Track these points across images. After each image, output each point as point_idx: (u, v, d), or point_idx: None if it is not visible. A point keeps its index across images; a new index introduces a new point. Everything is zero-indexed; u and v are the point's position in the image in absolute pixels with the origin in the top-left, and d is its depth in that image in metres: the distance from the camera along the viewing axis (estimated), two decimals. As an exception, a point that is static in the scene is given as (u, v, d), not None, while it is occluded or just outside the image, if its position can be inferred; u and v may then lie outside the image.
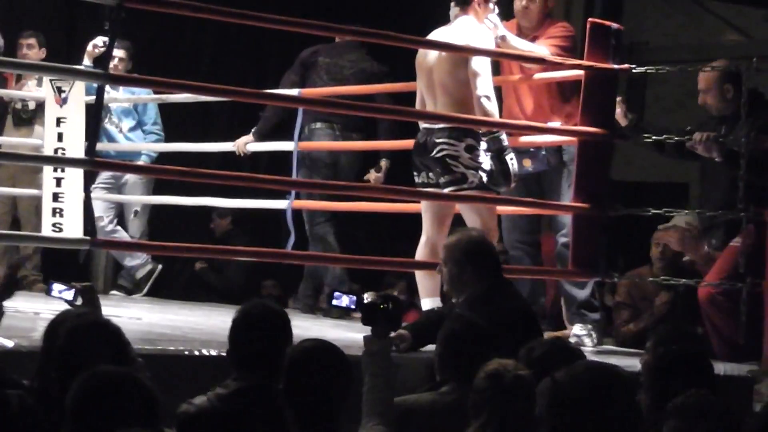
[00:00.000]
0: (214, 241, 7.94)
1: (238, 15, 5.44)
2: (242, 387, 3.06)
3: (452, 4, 5.53)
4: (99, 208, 7.15)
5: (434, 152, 5.20)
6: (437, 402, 3.71)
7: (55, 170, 6.71)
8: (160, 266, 7.45)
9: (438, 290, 5.34)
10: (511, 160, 5.15)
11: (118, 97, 7.57)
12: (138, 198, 7.60)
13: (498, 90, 5.56)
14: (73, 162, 6.50)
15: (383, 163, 6.85)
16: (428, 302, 5.44)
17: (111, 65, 6.31)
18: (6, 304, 3.86)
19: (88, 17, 7.46)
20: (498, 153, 5.13)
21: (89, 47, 6.84)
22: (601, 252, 5.66)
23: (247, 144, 6.84)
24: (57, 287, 4.17)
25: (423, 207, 5.49)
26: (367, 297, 3.78)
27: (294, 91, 6.57)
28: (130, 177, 7.56)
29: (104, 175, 7.49)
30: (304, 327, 5.11)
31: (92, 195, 6.63)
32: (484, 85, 5.09)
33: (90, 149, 6.01)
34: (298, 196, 6.47)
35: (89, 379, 2.71)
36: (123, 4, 5.05)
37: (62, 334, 3.26)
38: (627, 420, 2.67)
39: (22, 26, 7.58)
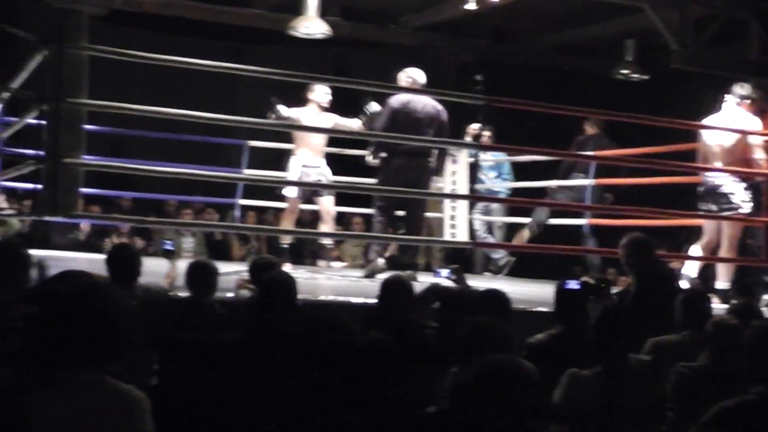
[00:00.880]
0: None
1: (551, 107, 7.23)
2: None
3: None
4: (476, 224, 10.06)
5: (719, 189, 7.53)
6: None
7: (451, 201, 9.66)
8: (513, 258, 9.72)
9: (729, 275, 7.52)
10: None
11: (486, 158, 10.28)
12: (499, 218, 10.19)
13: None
14: (462, 197, 9.58)
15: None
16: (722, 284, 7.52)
17: (481, 140, 9.81)
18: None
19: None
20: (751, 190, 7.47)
21: (469, 129, 9.67)
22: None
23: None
24: (442, 272, 5.71)
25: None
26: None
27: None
28: (494, 205, 10.16)
29: (480, 204, 10.05)
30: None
31: (472, 216, 9.89)
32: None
33: (471, 189, 9.34)
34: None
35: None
36: (490, 105, 8.29)
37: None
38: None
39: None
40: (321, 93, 8.41)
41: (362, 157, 8.26)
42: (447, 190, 9.34)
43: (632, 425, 3.81)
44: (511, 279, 9.28)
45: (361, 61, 13.51)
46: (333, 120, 8.48)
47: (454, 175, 9.60)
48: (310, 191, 8.50)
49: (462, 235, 9.53)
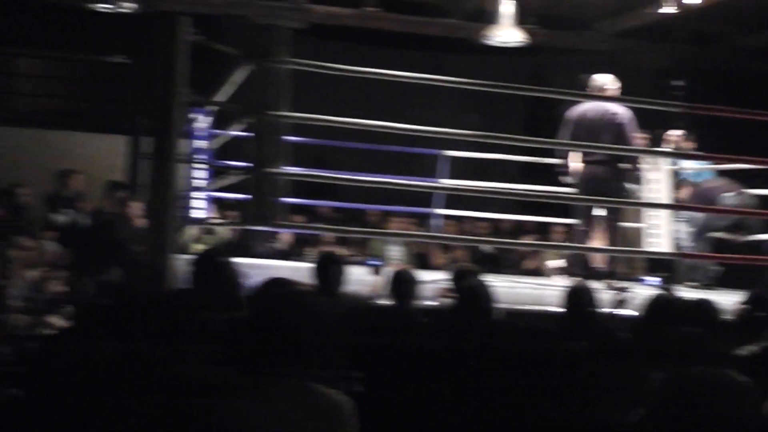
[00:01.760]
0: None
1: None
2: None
3: None
4: (680, 234, 9.56)
5: None
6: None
7: (652, 211, 9.42)
8: (721, 269, 9.09)
9: None
10: None
11: (688, 165, 9.80)
12: (701, 228, 9.79)
13: None
14: (659, 205, 9.37)
15: None
16: None
17: (679, 146, 9.51)
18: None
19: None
20: None
21: (667, 136, 9.46)
22: None
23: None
24: (650, 280, 6.65)
25: None
26: None
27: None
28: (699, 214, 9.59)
29: (685, 213, 9.52)
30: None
31: (675, 226, 9.51)
32: None
33: (673, 199, 9.20)
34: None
35: None
36: (689, 112, 8.02)
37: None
38: None
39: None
40: None
41: (556, 165, 8.17)
42: (647, 200, 9.25)
43: None
44: (719, 289, 8.81)
45: (556, 68, 13.40)
46: None
47: (654, 184, 9.44)
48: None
49: (664, 245, 9.34)
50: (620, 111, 7.75)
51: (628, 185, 8.03)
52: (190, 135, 8.64)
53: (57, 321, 5.76)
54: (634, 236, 9.68)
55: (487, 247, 8.47)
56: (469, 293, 4.25)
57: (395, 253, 10.59)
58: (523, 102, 12.87)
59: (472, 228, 11.00)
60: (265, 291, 3.58)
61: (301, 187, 9.49)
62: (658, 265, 9.66)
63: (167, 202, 6.06)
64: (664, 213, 9.54)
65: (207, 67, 6.82)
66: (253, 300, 3.38)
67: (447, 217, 10.39)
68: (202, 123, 8.81)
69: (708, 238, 9.73)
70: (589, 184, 7.73)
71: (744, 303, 4.68)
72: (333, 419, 2.76)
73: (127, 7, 7.02)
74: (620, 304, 5.14)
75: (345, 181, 8.04)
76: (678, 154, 9.59)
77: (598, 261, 8.04)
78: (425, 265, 10.16)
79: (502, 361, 3.05)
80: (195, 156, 8.69)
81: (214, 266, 4.21)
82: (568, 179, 7.94)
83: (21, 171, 11.04)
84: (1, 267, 6.66)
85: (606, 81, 7.91)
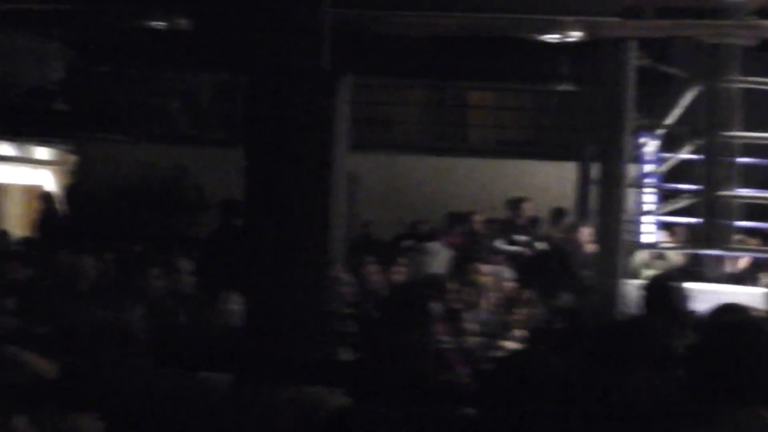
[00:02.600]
0: None
1: None
2: None
3: None
4: None
5: None
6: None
7: None
8: None
9: None
10: None
11: None
12: None
13: None
14: None
15: None
16: None
17: None
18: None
19: None
20: None
21: None
22: None
23: None
24: None
25: None
26: None
27: None
28: None
29: None
30: None
31: None
32: None
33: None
34: None
35: None
36: None
37: None
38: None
39: None
40: None
41: None
42: None
43: None
44: None
45: None
46: None
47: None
48: None
49: None
50: None
51: None
52: (638, 159, 8.63)
53: (509, 345, 5.92)
54: None
55: None
56: None
57: None
58: None
59: None
60: (718, 317, 3.52)
61: (754, 210, 9.11)
62: None
63: (617, 227, 6.11)
64: None
65: (653, 90, 6.77)
66: (705, 327, 3.28)
67: None
68: (651, 147, 8.76)
69: None
70: None
71: None
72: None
73: (574, 36, 7.21)
74: None
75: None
76: None
77: None
78: None
79: None
80: (644, 180, 8.67)
81: (665, 292, 4.16)
82: None
83: (474, 199, 11.53)
84: (459, 292, 6.98)
85: None
